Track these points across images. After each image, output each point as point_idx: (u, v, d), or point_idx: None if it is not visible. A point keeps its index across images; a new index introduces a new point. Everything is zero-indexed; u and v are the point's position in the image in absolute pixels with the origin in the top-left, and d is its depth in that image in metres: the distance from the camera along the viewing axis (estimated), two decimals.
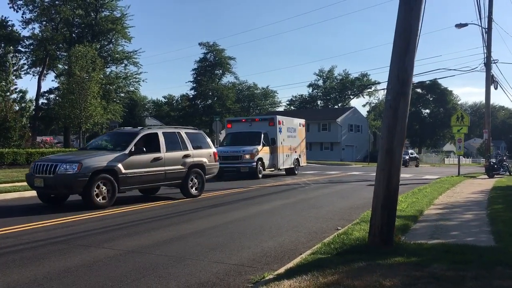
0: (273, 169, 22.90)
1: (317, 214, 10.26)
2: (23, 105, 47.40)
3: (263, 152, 21.84)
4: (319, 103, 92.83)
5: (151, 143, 12.36)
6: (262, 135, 22.14)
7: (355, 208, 11.31)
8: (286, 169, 24.26)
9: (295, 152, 24.97)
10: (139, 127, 13.69)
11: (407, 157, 44.25)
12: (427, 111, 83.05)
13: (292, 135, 24.68)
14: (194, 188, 13.29)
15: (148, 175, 11.88)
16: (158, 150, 12.29)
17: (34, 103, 49.97)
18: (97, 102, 34.27)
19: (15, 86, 50.00)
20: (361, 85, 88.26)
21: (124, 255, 6.26)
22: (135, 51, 53.19)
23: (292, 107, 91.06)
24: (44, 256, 6.22)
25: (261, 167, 21.45)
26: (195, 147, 13.43)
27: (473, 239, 6.91)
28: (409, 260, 5.40)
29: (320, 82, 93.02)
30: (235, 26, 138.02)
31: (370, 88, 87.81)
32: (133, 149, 11.53)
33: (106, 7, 51.62)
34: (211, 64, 75.83)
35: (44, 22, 50.13)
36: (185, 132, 13.52)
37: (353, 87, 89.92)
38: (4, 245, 6.85)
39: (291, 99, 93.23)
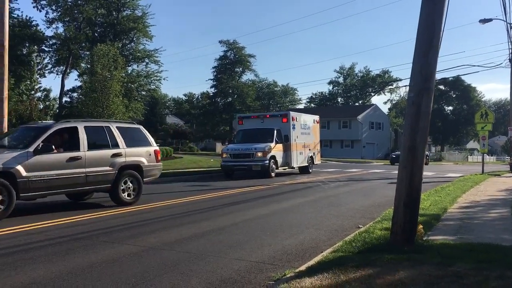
0: (286, 167, 22.28)
1: (337, 212, 10.20)
2: (47, 103, 48.32)
3: (276, 149, 21.24)
4: (339, 100, 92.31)
5: (68, 139, 10.36)
6: (275, 132, 21.53)
7: (376, 206, 11.22)
8: (299, 168, 23.66)
9: (309, 149, 24.38)
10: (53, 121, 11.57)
11: None
12: (450, 108, 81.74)
13: (306, 132, 24.12)
14: (126, 194, 11.06)
15: (60, 179, 9.68)
16: (76, 148, 10.15)
17: (58, 102, 50.90)
18: (119, 100, 34.62)
19: (39, 85, 51.11)
20: (382, 82, 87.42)
21: (147, 252, 6.33)
22: (156, 49, 53.65)
23: (312, 105, 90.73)
24: (68, 252, 6.34)
25: (273, 166, 20.81)
26: (129, 145, 11.23)
27: (497, 238, 6.79)
28: (432, 259, 5.33)
29: (341, 79, 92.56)
30: (255, 24, 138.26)
31: (392, 85, 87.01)
32: (39, 147, 9.33)
33: (127, 6, 52.16)
34: (231, 62, 76.03)
35: (67, 22, 50.95)
36: (117, 127, 11.34)
37: (374, 84, 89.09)
38: (30, 241, 7.01)
39: (311, 96, 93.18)
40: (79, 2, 49.17)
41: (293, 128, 22.46)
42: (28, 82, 47.19)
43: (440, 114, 75.81)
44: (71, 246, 6.65)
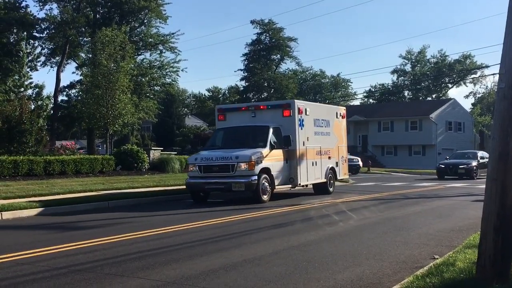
0: (289, 185, 19.03)
1: (405, 239, 10.08)
2: (39, 103, 49.76)
3: (272, 158, 17.60)
4: (406, 94, 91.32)
5: None
6: (270, 131, 17.94)
7: (457, 231, 11.03)
8: (314, 185, 20.69)
9: (329, 157, 21.02)
10: None
11: (473, 163, 34.28)
12: None
13: (323, 131, 20.77)
14: None
15: None
16: None
17: (53, 101, 52.19)
18: (127, 97, 35.14)
19: (30, 80, 52.66)
20: (463, 69, 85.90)
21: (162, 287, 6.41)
22: (172, 33, 54.23)
23: (370, 100, 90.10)
24: (66, 286, 6.49)
25: (266, 183, 17.18)
26: None
27: None
28: None
29: (408, 67, 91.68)
30: None
31: (475, 73, 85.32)
32: None
33: None
34: (267, 48, 76.37)
35: (63, 1, 52.33)
36: None
37: (452, 72, 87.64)
38: (20, 274, 7.21)
39: (370, 89, 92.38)
40: None
41: (301, 125, 18.99)
42: (17, 77, 48.70)
43: None
44: (69, 280, 6.80)
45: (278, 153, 18.00)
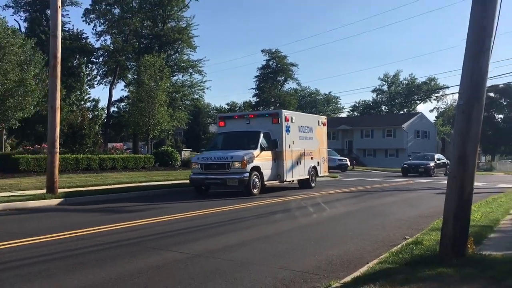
0: (276, 181, 18.00)
1: (382, 223, 10.01)
2: (95, 113, 49.98)
3: (262, 158, 16.89)
4: (383, 108, 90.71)
5: None
6: (261, 136, 17.25)
7: (424, 217, 10.93)
8: (298, 181, 19.60)
9: (311, 158, 20.15)
10: None
11: (431, 164, 33.43)
12: (501, 116, 78.56)
13: (306, 136, 19.85)
14: None
15: None
16: None
17: (106, 111, 52.52)
18: (164, 109, 35.34)
19: (88, 95, 52.98)
20: (429, 89, 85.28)
21: (192, 259, 6.42)
22: (200, 59, 54.60)
23: (355, 113, 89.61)
24: (117, 257, 6.52)
25: (256, 179, 16.42)
26: None
27: None
28: (484, 273, 5.13)
29: (385, 87, 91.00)
30: (297, 32, 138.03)
31: (438, 92, 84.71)
32: None
33: (172, 18, 53.39)
34: (273, 71, 76.33)
35: (115, 34, 52.67)
36: None
37: (420, 91, 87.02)
38: (80, 246, 7.26)
39: (355, 105, 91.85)
40: (126, 15, 50.80)
41: (287, 130, 18.24)
42: (78, 93, 49.00)
43: (491, 123, 72.90)
44: (119, 252, 6.83)
45: (267, 154, 17.28)
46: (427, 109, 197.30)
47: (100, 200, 14.02)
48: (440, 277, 4.97)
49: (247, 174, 15.94)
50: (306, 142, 19.69)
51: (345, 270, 5.88)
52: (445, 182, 6.14)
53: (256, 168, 16.47)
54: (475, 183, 6.13)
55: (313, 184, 20.03)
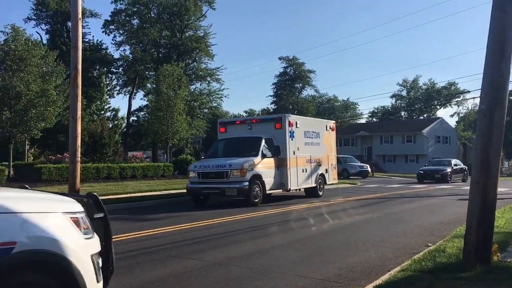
0: (281, 189, 16.83)
1: (404, 230, 9.87)
2: (115, 122, 50.76)
3: (264, 166, 15.79)
4: (402, 114, 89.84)
5: None
6: (263, 142, 16.15)
7: (446, 223, 10.73)
8: (305, 189, 18.37)
9: (319, 165, 18.83)
10: None
11: (448, 169, 31.91)
12: None
13: (313, 141, 18.60)
14: None
15: None
16: None
17: (126, 121, 53.20)
18: (183, 118, 35.62)
19: (108, 105, 53.84)
20: (449, 94, 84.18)
21: (212, 267, 6.43)
22: (218, 68, 54.91)
23: (374, 119, 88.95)
24: (137, 265, 6.56)
25: (257, 189, 15.28)
26: None
27: None
28: (509, 280, 5.02)
29: (404, 93, 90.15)
30: (315, 39, 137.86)
31: (459, 97, 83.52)
32: None
33: (190, 27, 53.95)
34: (291, 78, 76.28)
35: (134, 44, 53.42)
36: None
37: (440, 96, 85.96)
38: None
39: (373, 110, 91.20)
40: (144, 25, 51.51)
41: (291, 136, 17.03)
42: (99, 103, 49.82)
43: None
44: (140, 260, 6.88)
45: (270, 161, 16.13)
46: (447, 114, 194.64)
47: (120, 209, 14.15)
48: (463, 285, 4.88)
49: (247, 183, 14.86)
50: (312, 148, 18.51)
51: (367, 278, 5.81)
52: (466, 188, 6.04)
53: (257, 177, 15.41)
54: (498, 189, 6.02)
55: (320, 193, 18.75)
